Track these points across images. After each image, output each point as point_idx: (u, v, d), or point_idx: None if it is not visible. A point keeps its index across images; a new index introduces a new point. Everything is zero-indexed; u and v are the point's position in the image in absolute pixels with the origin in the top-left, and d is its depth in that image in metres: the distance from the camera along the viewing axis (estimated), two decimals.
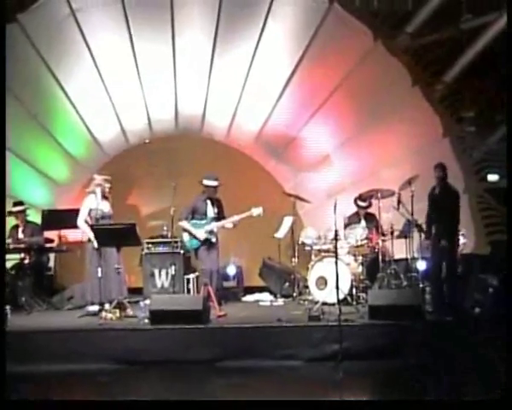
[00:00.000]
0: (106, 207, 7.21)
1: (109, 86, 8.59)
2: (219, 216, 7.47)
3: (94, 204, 7.17)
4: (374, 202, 7.79)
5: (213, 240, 7.42)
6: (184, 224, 7.43)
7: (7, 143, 7.19)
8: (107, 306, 6.82)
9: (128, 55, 8.27)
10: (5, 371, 5.17)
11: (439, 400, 4.93)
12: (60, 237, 8.68)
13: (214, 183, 7.44)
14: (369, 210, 8.17)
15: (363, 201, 8.04)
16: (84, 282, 7.29)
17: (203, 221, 7.45)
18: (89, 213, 7.14)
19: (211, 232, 7.40)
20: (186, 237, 7.45)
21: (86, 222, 7.08)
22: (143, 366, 5.90)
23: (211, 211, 7.47)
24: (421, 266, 7.47)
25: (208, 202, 7.48)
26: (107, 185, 7.19)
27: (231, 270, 8.71)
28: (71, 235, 8.74)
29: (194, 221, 7.45)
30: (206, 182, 7.45)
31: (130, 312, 6.83)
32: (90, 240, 6.98)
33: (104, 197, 7.19)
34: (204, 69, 8.52)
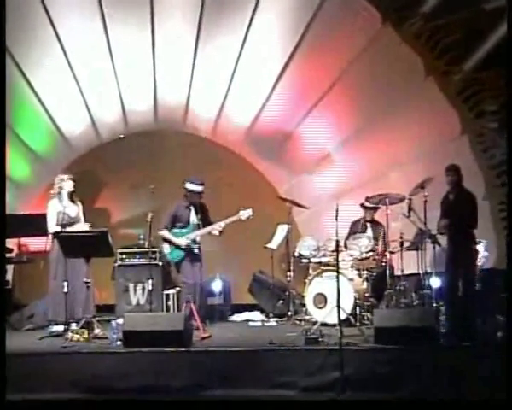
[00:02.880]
0: (73, 211, 7.18)
1: (79, 75, 8.60)
2: (204, 223, 7.50)
3: (59, 208, 7.11)
4: (381, 208, 7.80)
5: (196, 251, 7.47)
6: (164, 233, 7.47)
7: None
8: (73, 325, 6.80)
9: (100, 41, 8.30)
10: (5, 371, 5.36)
11: (439, 400, 4.96)
12: (19, 246, 8.63)
13: (199, 188, 7.48)
14: (376, 217, 8.20)
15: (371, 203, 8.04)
16: (47, 298, 7.27)
17: (185, 230, 7.49)
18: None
19: (194, 242, 7.44)
20: (166, 248, 7.50)
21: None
22: (115, 395, 5.86)
23: (194, 218, 7.52)
24: (435, 282, 7.47)
25: (191, 208, 7.52)
26: (70, 185, 7.13)
27: (217, 285, 8.69)
28: (32, 244, 8.70)
29: (175, 230, 7.49)
30: (189, 186, 7.48)
31: (100, 332, 6.81)
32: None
33: (71, 200, 7.12)
34: (187, 55, 8.55)
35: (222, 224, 7.41)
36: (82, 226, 7.18)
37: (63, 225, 7.02)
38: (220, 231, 7.43)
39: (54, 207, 7.14)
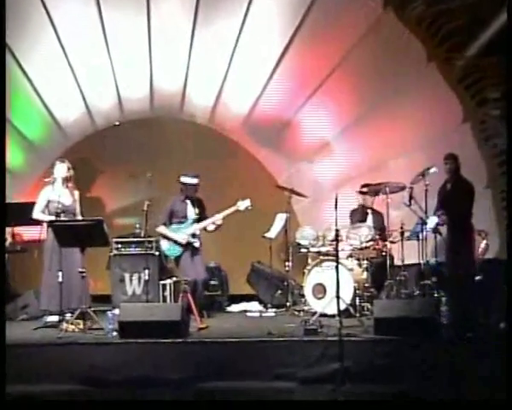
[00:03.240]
0: (67, 199, 7.13)
1: (73, 61, 8.56)
2: (201, 217, 7.48)
3: (53, 196, 7.07)
4: (382, 197, 7.77)
5: (197, 244, 7.43)
6: (162, 229, 7.46)
7: None
8: (68, 316, 6.76)
9: (95, 26, 8.25)
10: (5, 371, 5.38)
11: (439, 399, 5.01)
12: (13, 236, 8.60)
13: (194, 180, 7.46)
14: (376, 206, 8.17)
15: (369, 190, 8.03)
16: (41, 288, 7.22)
17: (183, 225, 7.47)
18: (47, 206, 7.04)
19: (193, 236, 7.42)
20: (165, 244, 7.49)
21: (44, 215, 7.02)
22: (110, 387, 5.83)
23: (191, 212, 7.50)
24: (436, 272, 7.42)
25: (188, 202, 7.51)
26: (68, 174, 7.09)
27: (214, 275, 8.63)
28: (26, 233, 8.69)
29: (173, 226, 7.48)
30: (184, 179, 7.47)
31: (95, 323, 6.76)
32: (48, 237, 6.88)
33: (67, 188, 7.10)
34: (184, 40, 8.50)
35: (220, 216, 7.40)
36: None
37: (57, 214, 6.97)
38: (217, 227, 7.43)
39: (44, 194, 7.10)
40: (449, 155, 6.86)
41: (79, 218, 7.15)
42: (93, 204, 8.75)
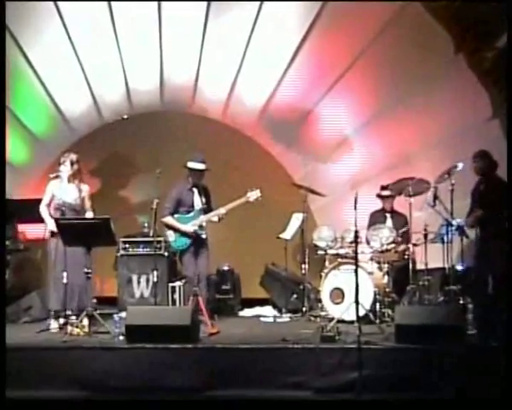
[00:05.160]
0: (70, 196, 7.14)
1: (80, 51, 8.60)
2: (208, 207, 7.48)
3: (57, 191, 7.12)
4: (403, 196, 7.74)
5: (204, 236, 7.42)
6: (168, 219, 7.42)
7: None
8: (73, 319, 6.80)
9: (103, 14, 8.28)
10: (5, 371, 5.48)
11: (439, 399, 5.11)
12: (16, 234, 8.64)
13: (201, 166, 7.43)
14: (397, 207, 8.18)
15: (388, 191, 8.03)
16: (45, 289, 7.27)
17: (190, 215, 7.44)
18: (51, 202, 7.09)
19: (201, 227, 7.40)
20: (171, 235, 7.45)
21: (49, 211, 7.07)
22: (116, 394, 5.87)
23: (198, 201, 7.48)
24: (462, 278, 7.42)
25: (195, 190, 7.49)
26: (73, 169, 7.12)
27: (226, 277, 8.70)
28: (30, 231, 8.73)
29: (178, 215, 7.44)
30: (191, 165, 7.42)
31: (101, 327, 6.78)
32: (53, 234, 6.91)
33: (72, 184, 7.14)
34: (196, 30, 8.52)
35: (229, 207, 7.36)
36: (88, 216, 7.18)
37: (62, 212, 7.01)
38: (220, 218, 7.38)
39: (50, 188, 7.15)
40: (478, 152, 6.80)
41: (89, 214, 7.18)
42: (99, 201, 8.74)
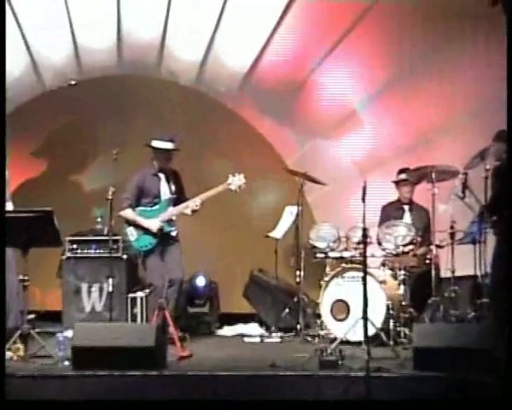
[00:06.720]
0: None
1: (15, 2, 8.66)
2: (179, 197, 7.50)
3: None
4: (425, 186, 7.75)
5: (174, 233, 7.45)
6: (128, 213, 7.46)
7: None
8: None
9: None
10: (5, 371, 5.75)
11: (439, 399, 5.38)
12: None
13: (168, 145, 7.49)
14: (417, 199, 8.21)
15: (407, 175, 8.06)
16: None
17: (155, 207, 7.48)
18: None
19: (169, 222, 7.41)
20: (132, 233, 7.51)
21: None
22: None
23: (166, 190, 7.54)
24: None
25: (161, 176, 7.54)
26: None
27: (200, 286, 8.71)
28: None
29: (141, 208, 7.50)
30: (156, 144, 7.48)
31: (41, 349, 6.74)
32: None
33: None
34: None
35: (205, 196, 7.40)
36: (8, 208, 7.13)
37: None
38: (194, 210, 7.41)
39: None
40: (496, 133, 6.81)
41: (9, 206, 7.13)
42: (37, 188, 8.72)
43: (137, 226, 7.42)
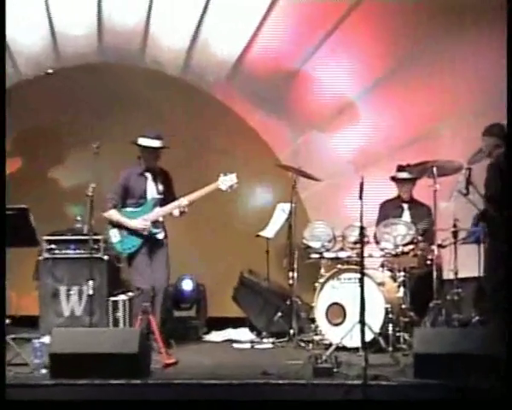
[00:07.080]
0: None
1: None
2: (166, 197, 7.54)
3: None
4: (426, 182, 7.76)
5: (160, 236, 7.48)
6: (112, 213, 7.51)
7: None
8: None
9: None
10: (5, 371, 5.90)
11: (439, 399, 5.52)
12: None
13: (155, 142, 7.51)
14: (417, 195, 8.23)
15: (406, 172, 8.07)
16: None
17: (141, 208, 7.53)
18: None
19: (155, 224, 7.43)
20: (115, 234, 7.57)
21: None
22: None
23: (153, 190, 7.59)
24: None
25: (148, 175, 7.59)
26: None
27: (187, 290, 8.70)
28: None
29: (127, 209, 7.55)
30: (142, 141, 7.52)
31: (16, 356, 6.71)
32: None
33: None
34: None
35: (193, 196, 7.43)
36: None
37: None
38: (182, 211, 7.47)
39: None
40: (486, 127, 6.90)
41: None
42: (13, 186, 8.63)
43: (122, 228, 7.47)
